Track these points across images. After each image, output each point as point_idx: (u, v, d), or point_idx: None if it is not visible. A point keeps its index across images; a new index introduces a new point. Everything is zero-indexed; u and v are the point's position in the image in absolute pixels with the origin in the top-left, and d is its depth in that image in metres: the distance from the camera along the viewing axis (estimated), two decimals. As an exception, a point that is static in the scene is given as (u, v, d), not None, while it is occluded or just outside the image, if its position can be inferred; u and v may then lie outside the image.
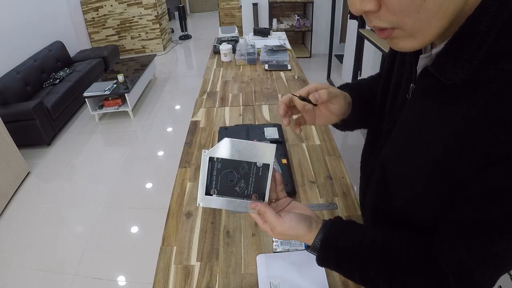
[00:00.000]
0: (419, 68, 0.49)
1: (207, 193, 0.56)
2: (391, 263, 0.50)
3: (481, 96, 0.37)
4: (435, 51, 0.43)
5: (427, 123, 0.45)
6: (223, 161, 0.55)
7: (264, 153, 0.53)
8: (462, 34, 0.37)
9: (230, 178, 0.55)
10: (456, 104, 0.40)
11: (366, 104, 0.68)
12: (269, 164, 0.54)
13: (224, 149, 0.54)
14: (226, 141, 0.54)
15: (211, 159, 0.54)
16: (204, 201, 0.56)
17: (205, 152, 0.54)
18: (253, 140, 1.15)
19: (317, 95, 0.57)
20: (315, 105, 0.59)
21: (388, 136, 0.56)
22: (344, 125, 0.68)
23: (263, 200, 0.56)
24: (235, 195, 0.56)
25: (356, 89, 0.70)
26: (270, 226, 0.54)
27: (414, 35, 0.38)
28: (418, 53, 0.48)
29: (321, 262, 0.54)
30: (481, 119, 0.37)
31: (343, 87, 0.71)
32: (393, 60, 0.60)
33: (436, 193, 0.44)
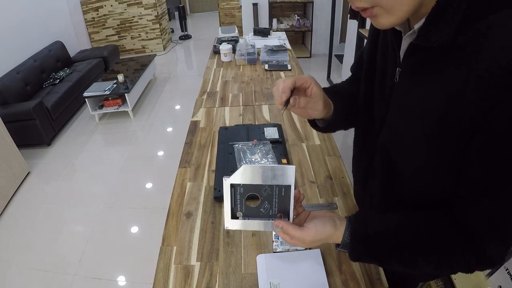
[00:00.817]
0: (402, 52, 0.53)
1: (233, 216, 0.58)
2: (423, 238, 0.51)
3: (463, 56, 0.42)
4: (417, 26, 0.47)
5: (418, 96, 0.50)
6: (245, 186, 0.56)
7: (284, 175, 0.54)
8: (439, 6, 0.43)
9: (254, 201, 0.57)
10: (441, 71, 0.45)
11: (345, 104, 0.72)
12: (290, 185, 0.55)
13: (244, 175, 0.55)
14: (245, 168, 0.55)
15: (232, 185, 0.56)
16: (231, 224, 0.58)
17: (225, 179, 0.55)
18: (253, 141, 1.15)
19: (296, 101, 0.60)
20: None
21: (383, 121, 0.60)
22: (326, 125, 0.71)
23: (288, 218, 0.57)
24: (261, 216, 0.58)
25: (335, 91, 0.74)
26: (300, 240, 0.55)
27: (390, 12, 0.44)
28: (399, 39, 0.54)
29: (353, 253, 0.55)
30: (468, 76, 0.41)
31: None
32: (375, 53, 0.64)
33: (441, 161, 0.48)
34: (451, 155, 0.47)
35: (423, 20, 0.46)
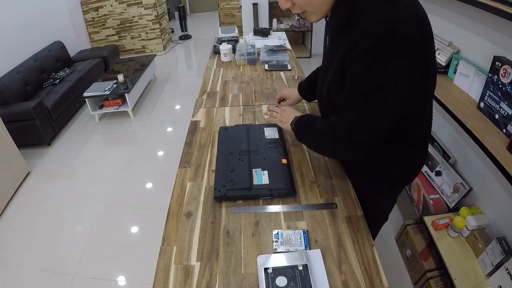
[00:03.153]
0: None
1: None
2: (319, 131, 0.92)
3: (352, 28, 0.73)
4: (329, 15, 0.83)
5: (333, 50, 0.85)
6: (273, 269, 0.76)
7: (302, 258, 0.77)
8: (336, 4, 0.76)
9: (282, 283, 0.74)
10: (343, 37, 0.78)
11: (311, 88, 1.23)
12: (306, 264, 0.76)
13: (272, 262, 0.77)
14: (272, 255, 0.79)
15: (265, 270, 0.76)
16: None
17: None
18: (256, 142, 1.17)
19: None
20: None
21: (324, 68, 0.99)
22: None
23: None
24: None
25: (304, 85, 1.34)
26: (281, 110, 1.13)
27: (315, 13, 0.80)
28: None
29: (297, 132, 1.01)
30: (352, 38, 0.72)
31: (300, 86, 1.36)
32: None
33: (339, 86, 0.81)
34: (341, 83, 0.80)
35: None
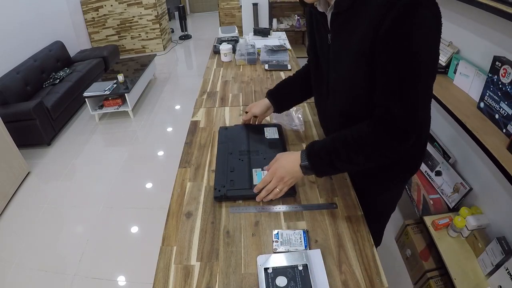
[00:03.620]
0: (329, 23, 0.82)
1: None
2: (349, 140, 0.77)
3: (361, 11, 0.70)
4: (332, 2, 0.76)
5: (345, 43, 0.77)
6: (273, 269, 0.76)
7: (302, 258, 0.78)
8: None
9: (282, 283, 0.74)
10: (353, 24, 0.73)
11: (284, 98, 1.22)
12: (306, 264, 0.76)
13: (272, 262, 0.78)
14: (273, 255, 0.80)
15: (265, 270, 0.76)
16: None
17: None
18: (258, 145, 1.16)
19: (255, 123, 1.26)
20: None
21: (328, 70, 0.89)
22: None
23: None
24: None
25: (275, 95, 1.22)
26: (271, 172, 0.89)
27: None
28: (325, 17, 0.83)
29: (313, 165, 0.82)
30: (366, 22, 0.68)
31: (269, 94, 1.23)
32: (312, 33, 0.96)
33: (362, 80, 0.76)
34: (367, 74, 0.73)
35: None
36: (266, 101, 1.21)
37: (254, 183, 0.99)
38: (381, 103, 0.72)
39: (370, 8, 0.66)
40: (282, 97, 1.20)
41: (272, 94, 1.21)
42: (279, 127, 1.26)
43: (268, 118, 1.41)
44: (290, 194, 0.97)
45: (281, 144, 1.17)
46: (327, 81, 0.91)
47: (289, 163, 0.85)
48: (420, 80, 0.66)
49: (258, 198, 0.92)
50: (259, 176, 1.02)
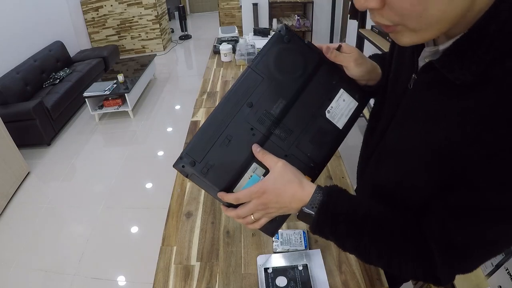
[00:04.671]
0: (421, 60, 0.50)
1: None
2: (384, 233, 0.51)
3: (487, 93, 0.38)
4: (442, 47, 0.44)
5: (431, 114, 0.46)
6: (274, 269, 0.75)
7: (302, 257, 0.74)
8: (471, 37, 0.39)
9: (282, 283, 0.71)
10: (462, 99, 0.41)
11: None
12: (306, 264, 0.74)
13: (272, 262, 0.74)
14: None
15: (265, 270, 0.73)
16: None
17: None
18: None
19: (331, 53, 0.59)
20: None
21: (390, 122, 0.57)
22: (370, 91, 0.66)
23: None
24: None
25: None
26: (256, 191, 0.52)
27: (416, 32, 0.39)
28: (420, 45, 0.50)
29: (317, 226, 0.53)
30: (487, 114, 0.38)
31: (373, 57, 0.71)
32: (394, 46, 0.62)
33: (432, 178, 0.47)
34: (438, 177, 0.46)
35: (450, 42, 0.42)
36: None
37: (237, 187, 0.56)
38: (446, 216, 0.46)
39: (505, 97, 0.37)
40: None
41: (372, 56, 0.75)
42: (359, 105, 0.63)
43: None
44: (266, 232, 0.60)
45: (335, 138, 0.62)
46: (381, 135, 0.60)
47: (288, 193, 0.52)
48: None
49: (224, 210, 0.58)
50: (252, 180, 0.56)
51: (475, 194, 0.42)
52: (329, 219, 0.52)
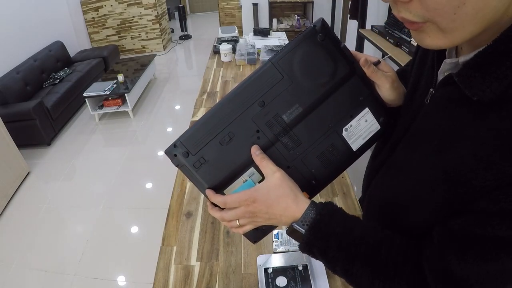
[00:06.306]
0: (440, 74, 0.47)
1: None
2: (378, 260, 0.47)
3: (507, 114, 0.35)
4: (462, 59, 0.40)
5: (446, 132, 0.43)
6: (273, 269, 0.75)
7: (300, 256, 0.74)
8: (496, 49, 0.35)
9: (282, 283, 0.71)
10: (480, 118, 0.37)
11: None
12: (306, 264, 0.74)
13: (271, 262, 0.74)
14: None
15: (265, 270, 0.73)
16: None
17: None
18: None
19: (369, 67, 0.52)
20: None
21: (403, 136, 0.53)
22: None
23: None
24: None
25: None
26: (246, 199, 0.49)
27: (444, 33, 0.35)
28: (441, 57, 0.46)
29: (306, 246, 0.49)
30: (506, 137, 0.35)
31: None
32: (416, 56, 0.57)
33: (439, 199, 0.43)
34: (445, 199, 0.42)
35: (471, 55, 0.38)
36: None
37: (230, 189, 0.53)
38: (446, 244, 0.42)
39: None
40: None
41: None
42: (381, 130, 0.57)
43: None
44: (249, 239, 0.58)
45: (345, 159, 0.56)
46: (392, 149, 0.55)
47: (280, 207, 0.49)
48: None
49: (209, 209, 0.55)
50: (246, 185, 0.53)
51: (483, 222, 0.37)
52: (319, 239, 0.48)
